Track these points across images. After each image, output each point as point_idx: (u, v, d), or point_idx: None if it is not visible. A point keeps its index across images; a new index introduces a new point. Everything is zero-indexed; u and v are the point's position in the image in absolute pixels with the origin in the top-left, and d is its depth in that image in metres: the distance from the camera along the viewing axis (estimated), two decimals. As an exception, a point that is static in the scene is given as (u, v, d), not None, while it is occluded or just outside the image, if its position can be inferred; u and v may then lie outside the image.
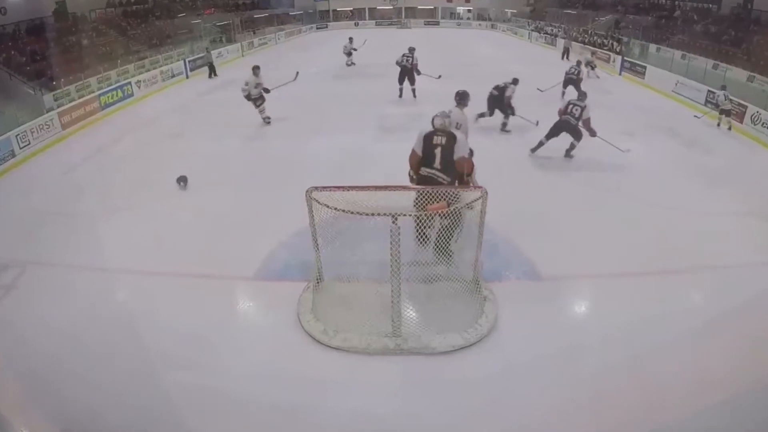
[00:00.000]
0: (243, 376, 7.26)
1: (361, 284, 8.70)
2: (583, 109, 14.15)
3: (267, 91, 18.03)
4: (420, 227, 8.55)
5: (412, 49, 21.21)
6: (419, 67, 21.11)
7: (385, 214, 7.08)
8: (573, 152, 14.75)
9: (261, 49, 42.19)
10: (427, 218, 8.02)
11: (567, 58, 32.56)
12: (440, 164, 9.01)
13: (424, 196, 7.90)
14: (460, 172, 9.24)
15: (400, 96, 21.64)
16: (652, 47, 28.95)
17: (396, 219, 7.07)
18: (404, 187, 7.92)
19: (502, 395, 6.96)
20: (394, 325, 7.68)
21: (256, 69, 17.77)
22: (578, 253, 9.94)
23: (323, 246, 8.29)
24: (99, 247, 10.49)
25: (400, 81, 21.41)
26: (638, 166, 14.14)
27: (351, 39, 31.56)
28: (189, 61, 29.88)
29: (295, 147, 15.73)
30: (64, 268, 9.90)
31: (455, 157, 9.00)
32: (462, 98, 11.54)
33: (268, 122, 18.30)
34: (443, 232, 8.55)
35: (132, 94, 23.91)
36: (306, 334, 7.90)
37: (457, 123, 10.88)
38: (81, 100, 20.56)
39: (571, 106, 14.32)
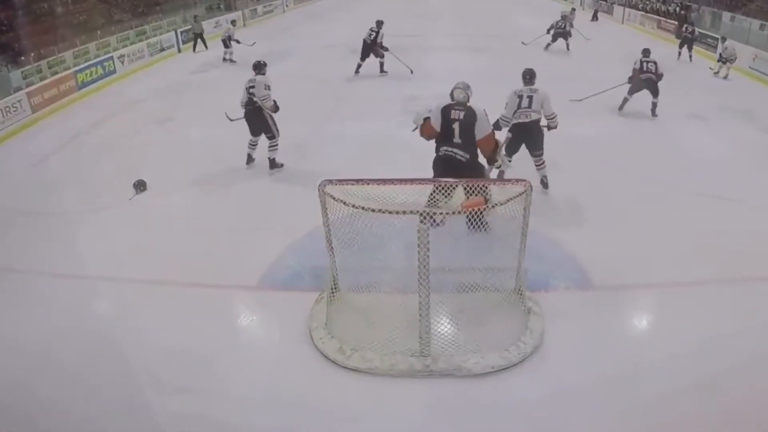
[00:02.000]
0: (244, 402, 7.23)
1: (383, 295, 8.64)
2: (656, 64, 16.63)
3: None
4: (472, 218, 8.60)
5: (379, 23, 22.47)
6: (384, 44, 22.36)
7: (411, 212, 7.01)
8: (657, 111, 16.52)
9: (266, 18, 42.40)
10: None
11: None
12: (459, 139, 9.15)
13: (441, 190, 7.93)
14: (485, 153, 9.41)
15: (357, 72, 22.78)
16: (726, 16, 28.67)
17: (425, 217, 6.98)
18: (433, 181, 7.92)
19: (549, 425, 6.91)
20: (422, 342, 7.59)
21: (233, 22, 27.92)
22: (637, 258, 9.84)
23: (339, 250, 8.24)
24: (75, 251, 10.50)
25: (362, 57, 22.68)
26: (708, 155, 14.09)
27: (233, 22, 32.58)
28: (181, 33, 29.99)
29: (306, 134, 15.78)
30: (33, 275, 9.90)
31: (477, 136, 9.19)
32: (532, 77, 11.83)
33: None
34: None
35: (114, 71, 24.14)
36: (319, 353, 7.83)
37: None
38: (54, 78, 20.80)
39: (645, 63, 16.44)
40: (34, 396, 7.33)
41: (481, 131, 9.56)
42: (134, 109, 19.51)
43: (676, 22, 30.69)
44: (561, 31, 27.56)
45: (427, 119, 10.06)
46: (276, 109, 13.33)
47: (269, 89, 13.26)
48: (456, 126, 9.49)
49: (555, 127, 11.65)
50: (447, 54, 24.31)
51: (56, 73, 21.19)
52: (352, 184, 7.39)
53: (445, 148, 9.65)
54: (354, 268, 8.69)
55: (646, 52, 16.81)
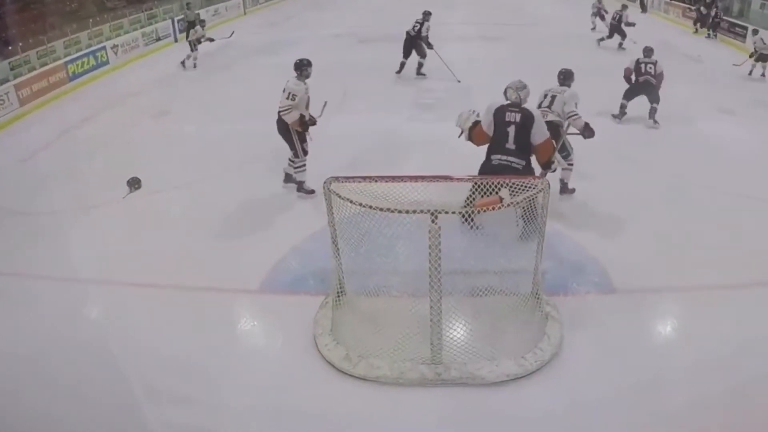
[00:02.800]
0: (245, 413, 7.24)
1: (392, 299, 8.68)
2: (655, 64, 15.98)
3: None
4: (470, 221, 8.53)
5: (426, 14, 20.70)
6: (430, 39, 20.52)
7: (422, 212, 6.99)
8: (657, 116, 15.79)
9: (268, 5, 42.30)
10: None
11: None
12: (513, 144, 9.08)
13: (480, 190, 7.90)
14: (541, 159, 9.35)
15: (399, 72, 21.43)
16: (755, 3, 28.56)
17: (436, 217, 6.97)
18: (446, 178, 7.87)
19: (568, 437, 6.95)
20: (433, 349, 7.60)
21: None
22: (661, 260, 9.85)
23: (345, 251, 8.28)
24: (65, 252, 10.51)
25: (405, 54, 21.13)
26: (737, 151, 14.06)
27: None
28: (178, 21, 29.94)
29: (311, 128, 15.58)
30: (20, 278, 9.94)
31: (534, 141, 9.10)
32: (566, 77, 11.66)
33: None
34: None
35: (107, 62, 24.15)
36: (324, 360, 7.84)
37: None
38: (44, 69, 20.74)
39: (643, 65, 15.86)
40: (21, 406, 7.35)
41: (538, 136, 9.48)
42: (128, 103, 19.55)
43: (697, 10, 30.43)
44: (615, 24, 26.26)
45: (477, 123, 9.99)
46: (303, 125, 11.81)
47: (294, 99, 11.41)
48: (511, 130, 9.36)
49: (585, 132, 10.94)
50: (461, 44, 24.26)
51: (46, 64, 21.14)
52: (360, 182, 7.39)
53: (498, 156, 9.52)
54: (361, 271, 8.72)
55: (647, 52, 16.33)
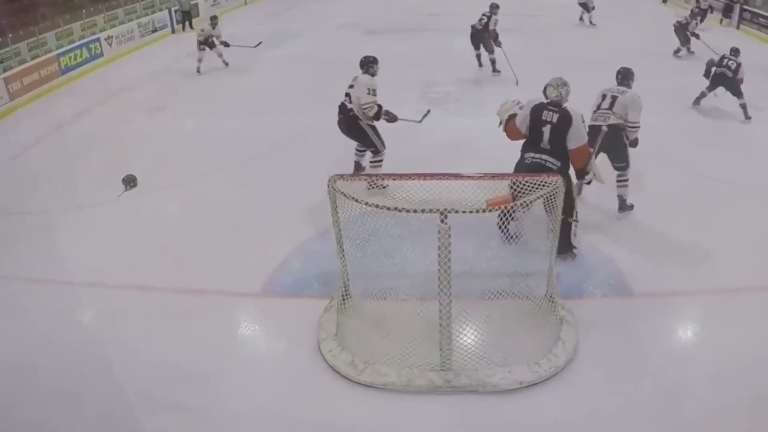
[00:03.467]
0: (245, 421, 7.23)
1: (399, 302, 8.67)
2: (738, 63, 16.09)
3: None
4: (504, 221, 8.47)
5: (493, 6, 20.05)
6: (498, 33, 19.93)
7: (431, 211, 6.94)
8: (748, 112, 16.00)
9: (269, -6, 42.30)
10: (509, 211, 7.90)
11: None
12: (549, 145, 9.02)
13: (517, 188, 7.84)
14: (574, 166, 9.27)
15: (480, 65, 20.83)
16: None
17: (446, 217, 6.93)
18: (456, 176, 7.85)
19: (584, 448, 6.95)
20: (442, 354, 7.57)
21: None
22: (682, 262, 9.81)
23: (351, 252, 8.26)
24: (57, 254, 10.51)
25: (475, 46, 20.58)
26: (764, 149, 14.04)
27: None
28: (175, 11, 30.00)
29: (315, 123, 15.49)
30: (11, 281, 9.96)
31: (570, 145, 9.01)
32: (625, 77, 11.29)
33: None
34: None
35: (101, 54, 24.24)
36: (328, 366, 7.83)
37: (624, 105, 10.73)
38: (35, 61, 20.85)
39: (725, 59, 16.19)
40: (12, 414, 7.36)
41: (574, 140, 9.21)
42: (124, 97, 19.59)
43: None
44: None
45: (513, 117, 9.89)
46: (383, 117, 11.99)
47: (375, 93, 11.65)
48: (546, 130, 9.22)
49: (634, 142, 11.00)
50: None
51: (37, 56, 21.21)
52: (366, 179, 7.37)
53: (532, 155, 9.38)
54: (367, 273, 8.69)
55: (733, 51, 16.45)
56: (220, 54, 22.24)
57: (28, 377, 7.85)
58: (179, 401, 7.46)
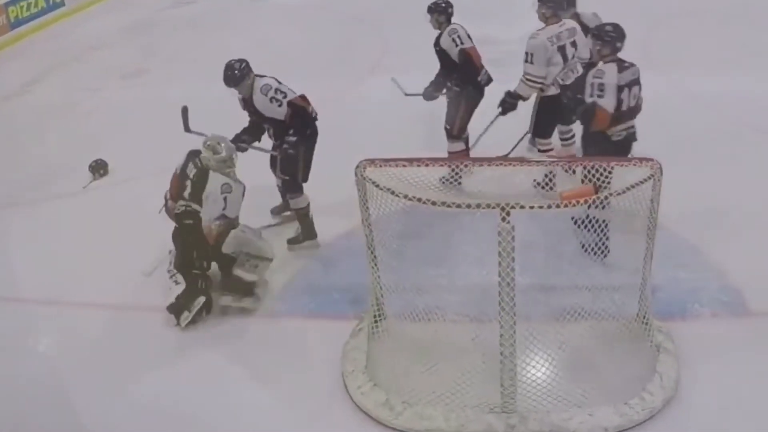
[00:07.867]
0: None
1: (448, 324, 8.61)
2: None
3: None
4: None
5: None
6: None
7: (490, 206, 6.76)
8: None
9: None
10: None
11: None
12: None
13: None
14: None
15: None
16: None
17: (508, 213, 6.68)
18: (522, 160, 7.76)
19: None
20: (504, 393, 7.49)
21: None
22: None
23: (385, 261, 8.24)
24: (5, 261, 10.68)
25: None
26: None
27: None
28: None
29: (336, 93, 15.60)
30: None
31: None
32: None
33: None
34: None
35: (62, 4, 24.26)
36: (356, 407, 7.76)
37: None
38: (-27, 14, 20.96)
39: None
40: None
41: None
42: (90, 59, 19.78)
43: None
44: None
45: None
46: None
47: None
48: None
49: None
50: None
51: (-24, 7, 21.42)
52: (405, 166, 7.23)
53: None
54: (406, 287, 8.67)
55: None
56: None
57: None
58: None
